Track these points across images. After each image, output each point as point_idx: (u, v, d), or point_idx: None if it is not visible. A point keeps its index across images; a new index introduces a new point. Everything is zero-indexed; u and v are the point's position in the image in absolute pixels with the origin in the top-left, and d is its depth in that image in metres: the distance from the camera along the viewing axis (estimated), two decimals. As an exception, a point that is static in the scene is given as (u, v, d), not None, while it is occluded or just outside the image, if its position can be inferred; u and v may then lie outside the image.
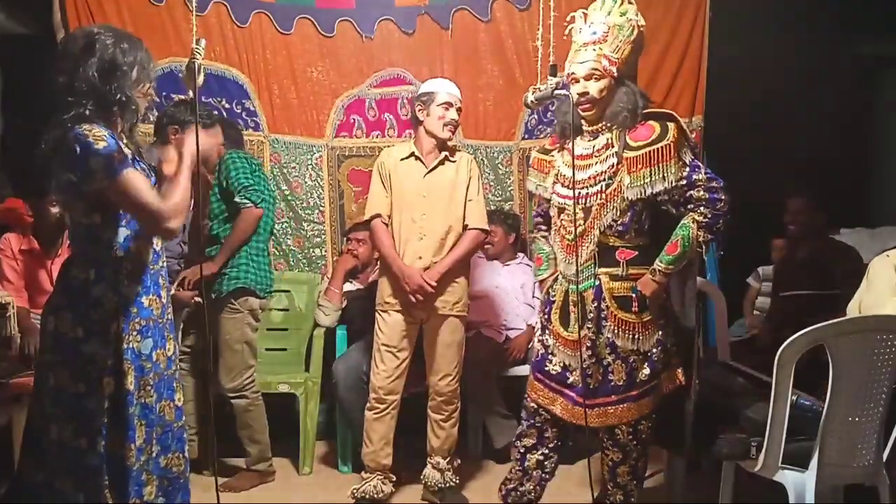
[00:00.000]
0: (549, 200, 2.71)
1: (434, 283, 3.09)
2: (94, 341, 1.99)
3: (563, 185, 2.61)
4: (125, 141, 2.04)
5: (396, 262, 3.15)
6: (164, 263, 2.18)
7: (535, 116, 4.16)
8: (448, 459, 3.24)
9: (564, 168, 2.62)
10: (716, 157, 4.17)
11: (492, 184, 4.20)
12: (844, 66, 4.61)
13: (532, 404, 2.72)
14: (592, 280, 2.55)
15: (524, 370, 3.72)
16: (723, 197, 2.49)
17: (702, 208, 2.47)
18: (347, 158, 4.17)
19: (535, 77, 2.86)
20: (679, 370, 2.62)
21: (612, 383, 2.55)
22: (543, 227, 2.85)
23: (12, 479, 2.12)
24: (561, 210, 2.63)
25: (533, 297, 3.94)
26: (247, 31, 4.03)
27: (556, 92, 2.34)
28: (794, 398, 2.40)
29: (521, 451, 2.75)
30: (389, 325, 3.19)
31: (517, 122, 4.20)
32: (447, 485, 3.22)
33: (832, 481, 2.48)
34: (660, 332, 2.56)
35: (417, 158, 3.21)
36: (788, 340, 2.33)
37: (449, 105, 3.14)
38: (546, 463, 2.73)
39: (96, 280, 2.00)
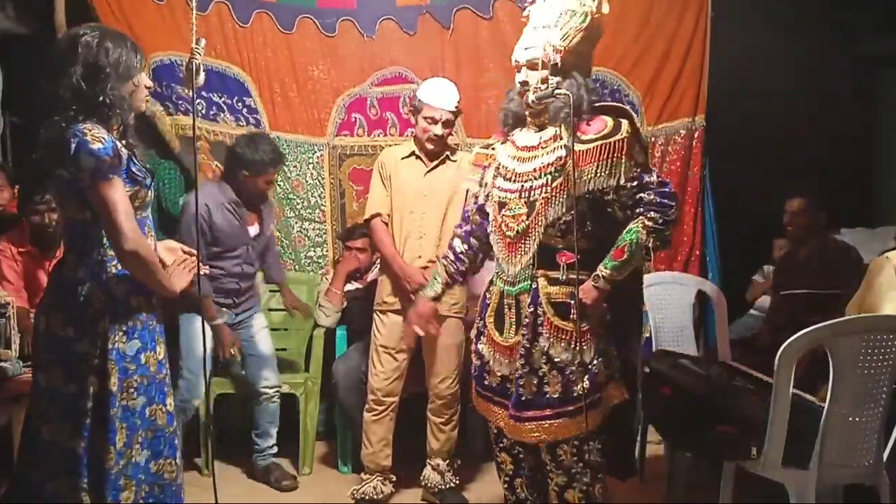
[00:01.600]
0: (486, 197, 2.50)
1: None
2: (86, 340, 1.98)
3: (504, 177, 2.42)
4: (122, 142, 2.02)
5: (397, 261, 3.15)
6: None
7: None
8: (448, 461, 3.24)
9: (507, 160, 2.43)
10: (717, 156, 4.18)
11: (492, 183, 4.19)
12: (845, 66, 4.61)
13: (494, 428, 2.52)
14: (529, 282, 2.35)
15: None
16: (673, 203, 2.28)
17: (652, 213, 2.25)
18: (349, 157, 4.17)
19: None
20: (623, 384, 2.39)
21: (548, 396, 2.30)
22: (463, 229, 2.62)
23: (11, 480, 2.12)
24: (502, 205, 2.41)
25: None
26: (248, 31, 4.03)
27: (557, 91, 2.30)
28: (795, 398, 2.40)
29: (507, 480, 2.56)
30: (388, 325, 3.19)
31: (518, 121, 4.19)
32: (447, 486, 3.22)
33: (832, 481, 2.48)
34: (602, 344, 2.34)
35: (418, 157, 3.21)
36: (788, 340, 2.33)
37: (434, 120, 3.11)
38: (537, 480, 2.52)
39: (85, 278, 2.00)
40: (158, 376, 2.11)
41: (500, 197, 2.42)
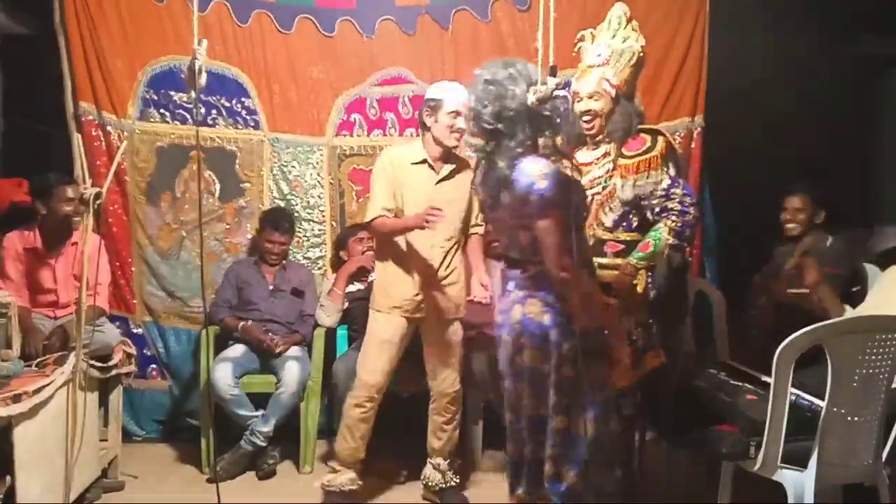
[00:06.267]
0: None
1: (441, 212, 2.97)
2: (563, 327, 2.25)
3: None
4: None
5: (408, 221, 3.06)
6: None
7: (537, 116, 4.16)
8: (449, 461, 3.25)
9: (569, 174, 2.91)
10: (717, 156, 4.18)
11: (492, 183, 4.20)
12: (844, 66, 4.61)
13: None
14: None
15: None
16: (692, 211, 2.85)
17: (674, 217, 2.82)
18: (348, 157, 4.17)
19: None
20: (661, 350, 2.87)
21: None
22: None
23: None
24: None
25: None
26: (247, 31, 4.03)
27: (556, 92, 2.33)
28: (793, 398, 2.41)
29: None
30: (387, 320, 3.15)
31: (518, 121, 4.19)
32: (448, 485, 3.22)
33: (831, 481, 2.49)
34: (641, 318, 2.82)
35: (431, 166, 3.15)
36: (788, 340, 2.34)
37: (457, 113, 3.05)
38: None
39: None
40: None
41: None
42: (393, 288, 3.15)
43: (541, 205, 2.20)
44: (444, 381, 3.20)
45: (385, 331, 3.17)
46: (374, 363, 3.17)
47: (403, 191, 3.13)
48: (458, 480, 3.28)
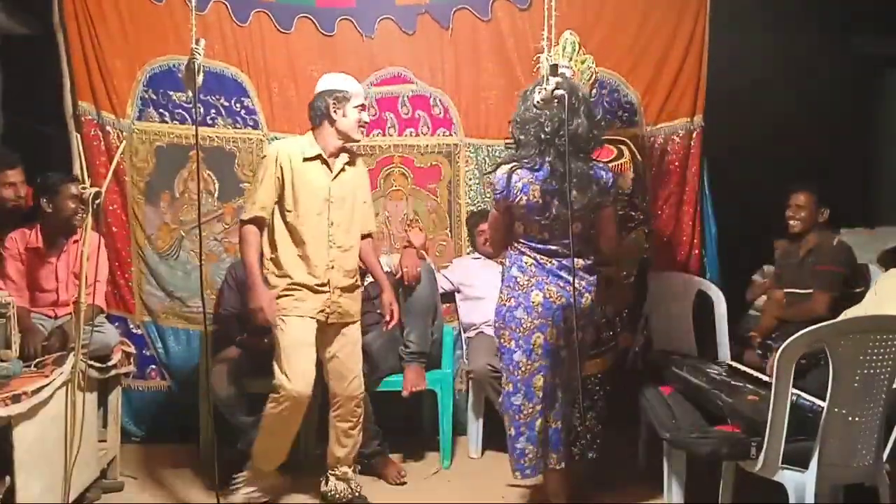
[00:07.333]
0: None
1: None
2: None
3: None
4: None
5: (256, 279, 2.93)
6: None
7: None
8: (353, 467, 3.15)
9: None
10: (716, 156, 4.18)
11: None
12: (845, 67, 4.62)
13: None
14: None
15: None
16: (651, 216, 3.45)
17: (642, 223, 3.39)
18: (347, 158, 4.16)
19: (536, 77, 2.87)
20: (630, 336, 3.43)
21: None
22: None
23: None
24: None
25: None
26: (246, 30, 4.02)
27: (556, 92, 2.33)
28: (794, 398, 2.40)
29: None
30: (302, 323, 2.98)
31: (518, 121, 4.19)
32: (355, 493, 3.11)
33: (832, 481, 2.48)
34: (617, 307, 3.26)
35: (324, 162, 3.01)
36: (788, 340, 2.34)
37: (363, 107, 3.02)
38: None
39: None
40: None
41: None
42: (299, 293, 2.98)
43: (611, 195, 2.72)
44: (351, 384, 3.06)
45: (300, 333, 2.96)
46: (298, 367, 2.94)
47: (296, 189, 2.96)
48: (361, 487, 3.15)
